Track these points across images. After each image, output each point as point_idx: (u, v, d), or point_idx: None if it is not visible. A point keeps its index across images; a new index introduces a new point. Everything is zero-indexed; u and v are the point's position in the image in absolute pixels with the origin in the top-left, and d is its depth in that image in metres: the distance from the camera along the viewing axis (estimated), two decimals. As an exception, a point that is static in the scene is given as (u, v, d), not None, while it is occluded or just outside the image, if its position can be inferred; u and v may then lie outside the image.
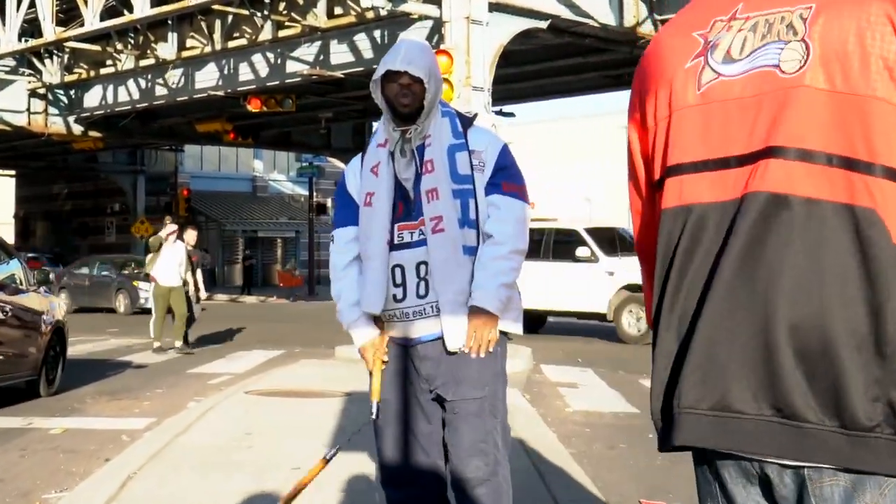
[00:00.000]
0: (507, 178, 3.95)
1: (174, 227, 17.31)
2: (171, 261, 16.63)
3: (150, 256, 17.30)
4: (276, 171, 59.48)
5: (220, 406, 9.44)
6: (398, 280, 3.91)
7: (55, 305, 12.14)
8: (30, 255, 44.59)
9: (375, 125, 4.12)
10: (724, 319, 1.90)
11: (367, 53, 23.81)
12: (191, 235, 17.51)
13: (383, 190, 3.93)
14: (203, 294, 17.69)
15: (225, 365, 15.10)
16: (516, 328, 4.04)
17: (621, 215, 78.19)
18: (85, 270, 32.97)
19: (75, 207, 55.95)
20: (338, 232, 4.12)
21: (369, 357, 3.99)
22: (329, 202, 55.88)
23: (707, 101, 2.02)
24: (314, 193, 44.66)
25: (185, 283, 16.89)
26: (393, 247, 3.92)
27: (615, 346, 18.38)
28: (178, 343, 16.74)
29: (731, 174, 1.96)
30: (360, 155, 4.16)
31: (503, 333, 4.00)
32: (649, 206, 2.24)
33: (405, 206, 3.93)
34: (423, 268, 3.88)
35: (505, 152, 4.01)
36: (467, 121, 4.08)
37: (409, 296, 3.89)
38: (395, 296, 3.92)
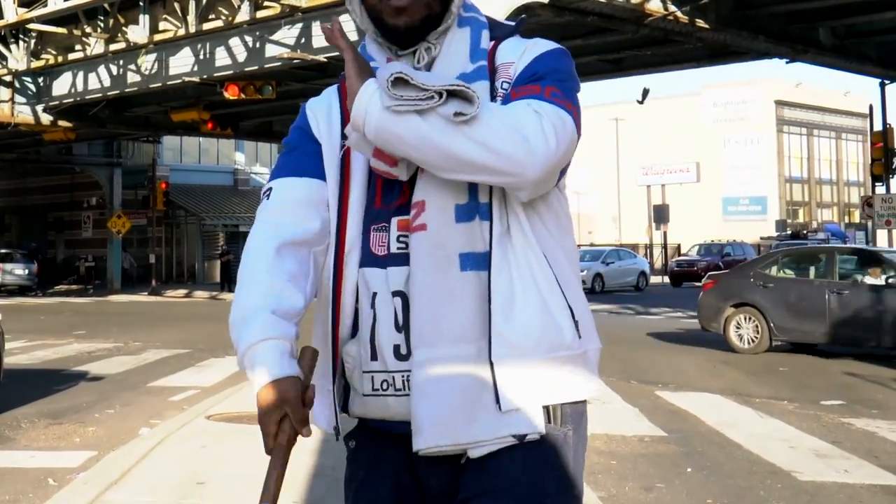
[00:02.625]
0: (547, 81, 2.13)
1: None
2: None
3: None
4: (259, 164, 58.06)
5: (173, 438, 7.82)
6: (402, 319, 2.15)
7: (-14, 314, 10.43)
8: (3, 250, 43.12)
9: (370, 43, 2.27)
10: None
11: (353, 35, 22.28)
12: None
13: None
14: None
15: (192, 376, 13.51)
16: (589, 389, 2.24)
17: (610, 209, 77.24)
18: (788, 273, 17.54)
19: (50, 201, 54.64)
20: (277, 184, 2.26)
21: (271, 427, 2.00)
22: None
23: None
24: (297, 186, 42.99)
25: None
26: (386, 258, 2.19)
27: (616, 348, 16.82)
28: None
29: None
30: (330, 90, 2.35)
31: (577, 405, 2.23)
32: None
33: (411, 186, 2.18)
34: (398, 301, 2.17)
35: (550, 56, 2.22)
36: (505, 29, 2.30)
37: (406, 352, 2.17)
38: (397, 348, 2.15)
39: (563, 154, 2.06)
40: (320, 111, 2.31)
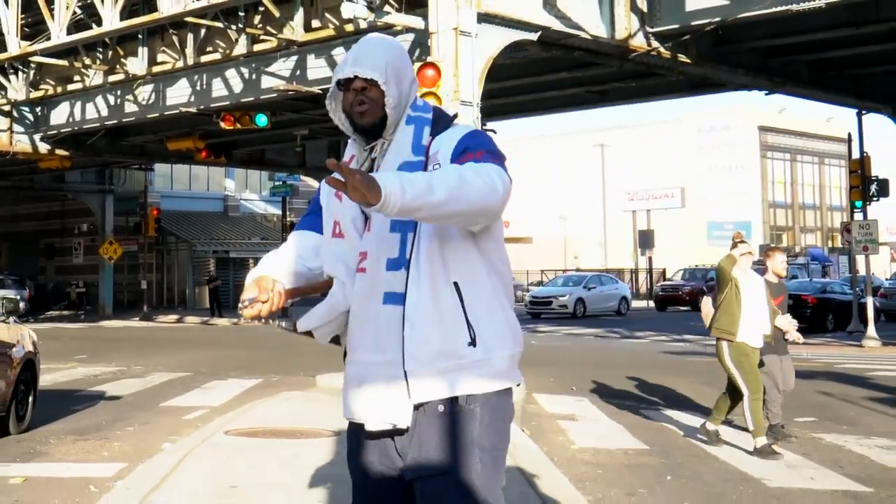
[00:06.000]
0: (475, 150, 3.09)
1: (748, 247, 10.24)
2: (755, 306, 10.04)
3: (705, 301, 10.96)
4: (249, 191, 58.62)
5: (198, 452, 8.52)
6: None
7: (26, 336, 11.21)
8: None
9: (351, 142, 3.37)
10: None
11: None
12: (779, 261, 11.16)
13: (348, 219, 3.26)
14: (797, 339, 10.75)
15: (200, 397, 14.16)
16: (490, 385, 3.19)
17: (595, 233, 78.00)
18: None
19: (42, 228, 55.00)
20: (295, 234, 3.44)
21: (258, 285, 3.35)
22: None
23: None
24: (287, 213, 43.72)
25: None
26: None
27: (602, 370, 17.51)
28: (760, 440, 9.75)
29: None
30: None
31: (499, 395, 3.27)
32: None
33: None
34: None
35: (470, 136, 3.19)
36: (444, 123, 3.27)
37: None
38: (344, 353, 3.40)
39: (510, 192, 3.00)
40: (326, 188, 3.35)
